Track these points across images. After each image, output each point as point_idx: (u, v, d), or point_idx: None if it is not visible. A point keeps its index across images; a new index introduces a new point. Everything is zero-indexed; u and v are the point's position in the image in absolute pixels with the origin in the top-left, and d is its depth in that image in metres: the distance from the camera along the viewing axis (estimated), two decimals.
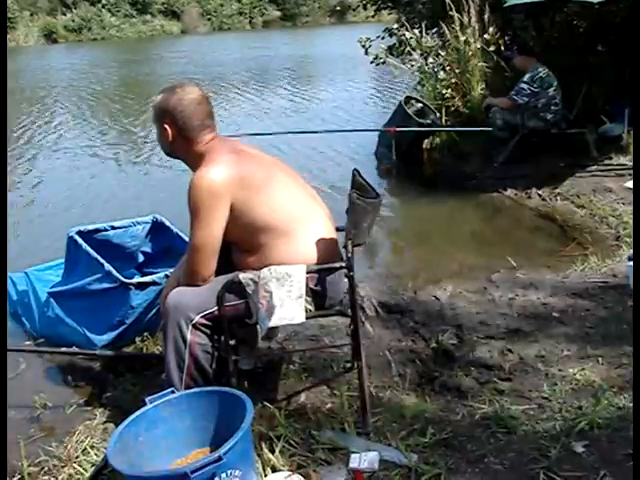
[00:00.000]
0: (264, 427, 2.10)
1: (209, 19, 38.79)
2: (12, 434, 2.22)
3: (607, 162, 5.19)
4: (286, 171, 2.21)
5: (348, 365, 2.47)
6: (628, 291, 2.93)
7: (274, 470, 1.90)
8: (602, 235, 4.02)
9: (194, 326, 2.02)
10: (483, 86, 6.21)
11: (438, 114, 6.24)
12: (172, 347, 2.04)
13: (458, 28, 6.15)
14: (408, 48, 6.89)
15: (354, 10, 36.16)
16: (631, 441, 1.78)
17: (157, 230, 3.15)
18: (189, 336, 2.02)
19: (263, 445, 1.98)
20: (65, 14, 34.23)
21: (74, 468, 2.05)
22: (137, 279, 2.81)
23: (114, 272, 2.72)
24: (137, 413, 1.78)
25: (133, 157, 7.26)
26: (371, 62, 7.58)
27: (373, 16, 12.16)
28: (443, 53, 6.46)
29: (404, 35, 6.98)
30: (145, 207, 4.23)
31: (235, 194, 2.00)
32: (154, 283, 2.74)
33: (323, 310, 2.15)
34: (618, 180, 4.83)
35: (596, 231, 4.10)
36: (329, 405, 2.27)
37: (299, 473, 1.85)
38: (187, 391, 1.93)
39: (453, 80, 6.35)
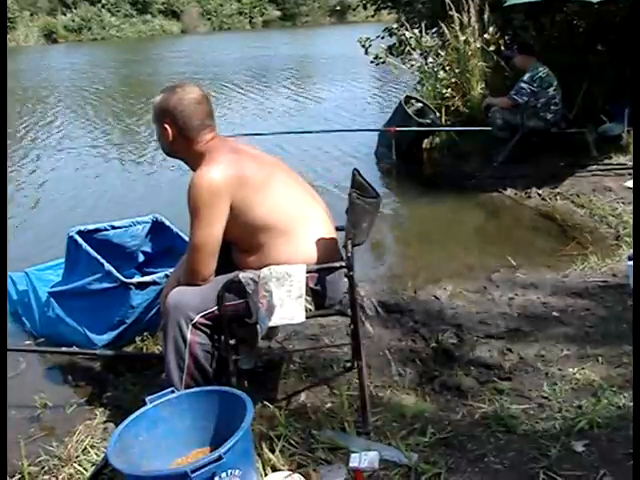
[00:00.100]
0: (264, 427, 2.10)
1: (209, 19, 38.79)
2: (12, 433, 2.22)
3: (607, 162, 5.19)
4: (286, 171, 2.21)
5: (348, 365, 2.47)
6: (628, 291, 2.93)
7: (274, 470, 1.90)
8: (602, 234, 4.02)
9: (194, 326, 2.02)
10: (483, 86, 6.21)
11: (438, 114, 6.24)
12: (172, 347, 2.04)
13: (458, 28, 6.16)
14: (408, 48, 6.90)
15: (354, 10, 36.17)
16: (631, 440, 1.78)
17: (157, 230, 3.15)
18: (189, 336, 2.02)
19: (263, 445, 1.98)
20: (65, 14, 34.22)
21: (74, 468, 2.05)
22: (137, 279, 2.82)
23: (114, 272, 2.72)
24: (137, 413, 1.78)
25: (136, 157, 7.24)
26: (371, 62, 7.58)
27: (373, 16, 12.16)
28: (443, 53, 6.46)
29: (404, 35, 6.98)
30: (146, 207, 4.22)
31: (235, 193, 2.00)
32: (154, 283, 2.74)
33: (323, 310, 2.15)
34: (618, 179, 4.83)
35: (596, 231, 4.10)
36: (329, 405, 2.27)
37: (299, 472, 1.85)
38: (187, 391, 1.93)
39: (453, 80, 6.35)
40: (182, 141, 2.11)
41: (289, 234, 2.06)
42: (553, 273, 3.37)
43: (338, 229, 2.24)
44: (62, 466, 2.08)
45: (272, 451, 1.97)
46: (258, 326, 2.02)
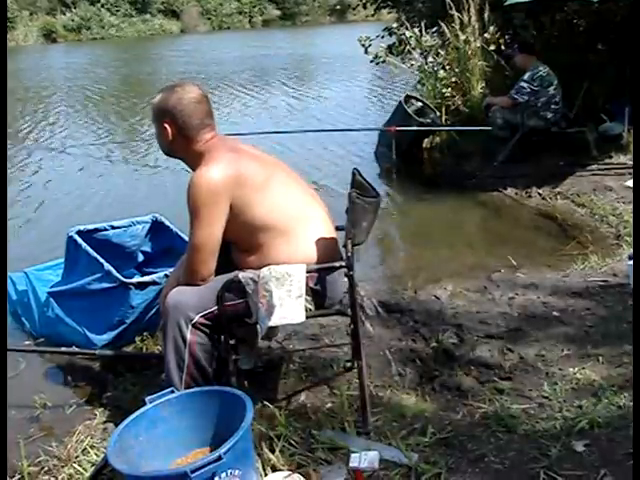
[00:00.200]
0: (264, 426, 2.10)
1: (209, 18, 38.75)
2: (12, 434, 2.22)
3: (607, 161, 5.19)
4: (286, 171, 2.21)
5: (348, 364, 2.46)
6: (628, 290, 2.93)
7: (274, 469, 1.90)
8: (602, 234, 4.02)
9: (194, 326, 2.02)
10: (483, 85, 6.21)
11: (438, 113, 6.24)
12: (172, 347, 2.04)
13: (458, 27, 6.16)
14: (408, 47, 6.89)
15: (354, 9, 36.09)
16: (631, 440, 1.78)
17: (157, 230, 3.15)
18: (189, 336, 2.02)
19: (263, 445, 1.98)
20: (64, 14, 34.17)
21: (74, 468, 2.05)
22: (137, 279, 2.81)
23: (114, 272, 2.72)
24: (137, 413, 1.78)
25: (140, 156, 7.21)
26: (371, 61, 7.58)
27: (373, 15, 12.11)
28: (443, 52, 6.46)
29: (404, 34, 6.98)
30: (147, 207, 4.21)
31: (234, 193, 2.00)
32: (154, 283, 2.74)
33: (323, 309, 2.14)
34: (618, 179, 4.83)
35: (596, 230, 4.10)
36: (329, 405, 2.27)
37: (299, 472, 1.85)
38: (187, 391, 1.93)
39: (453, 79, 6.35)
40: (182, 140, 2.10)
41: (289, 234, 2.06)
42: (553, 273, 3.37)
43: (338, 229, 2.23)
44: (62, 466, 2.08)
45: (272, 451, 1.96)
46: (258, 326, 2.02)
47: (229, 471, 1.58)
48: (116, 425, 2.00)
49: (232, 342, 2.07)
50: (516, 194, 4.93)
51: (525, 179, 5.04)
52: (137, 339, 2.82)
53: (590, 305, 2.88)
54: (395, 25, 7.85)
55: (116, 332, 2.76)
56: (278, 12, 41.37)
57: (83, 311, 2.82)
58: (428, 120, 6.08)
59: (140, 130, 8.79)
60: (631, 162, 4.97)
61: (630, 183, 4.60)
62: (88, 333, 2.78)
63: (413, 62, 6.80)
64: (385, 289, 3.27)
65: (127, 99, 11.75)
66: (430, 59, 6.60)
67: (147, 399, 1.82)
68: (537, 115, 5.42)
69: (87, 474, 2.01)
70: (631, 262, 2.90)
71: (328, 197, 4.75)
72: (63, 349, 2.73)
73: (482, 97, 6.07)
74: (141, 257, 3.17)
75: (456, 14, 6.14)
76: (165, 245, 3.11)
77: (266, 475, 1.87)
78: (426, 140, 6.32)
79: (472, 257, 3.90)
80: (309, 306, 2.05)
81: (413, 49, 6.79)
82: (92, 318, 2.79)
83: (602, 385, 2.22)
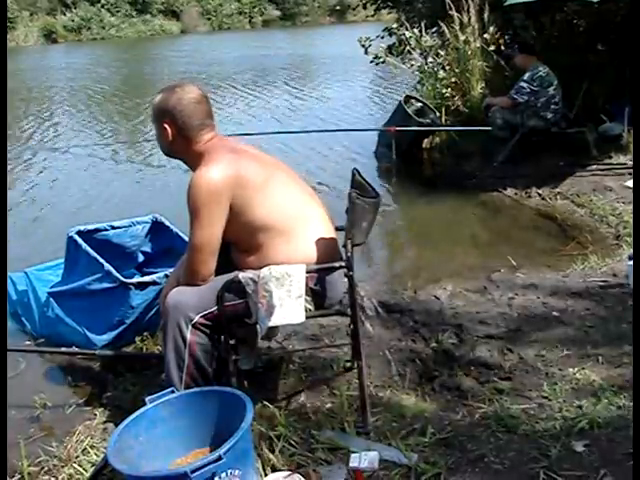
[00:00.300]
0: (264, 427, 2.10)
1: (209, 19, 38.73)
2: (12, 434, 2.22)
3: (607, 161, 5.19)
4: (285, 171, 2.21)
5: (348, 365, 2.46)
6: (628, 290, 2.93)
7: (274, 470, 1.90)
8: (602, 234, 4.02)
9: (194, 326, 2.02)
10: (483, 85, 6.21)
11: (438, 113, 6.24)
12: (172, 347, 2.04)
13: (458, 27, 6.16)
14: (408, 47, 6.90)
15: (354, 9, 36.11)
16: (631, 440, 1.78)
17: (157, 230, 3.15)
18: (189, 336, 2.02)
19: (263, 445, 1.98)
20: (65, 14, 34.14)
21: (74, 468, 2.05)
22: (137, 279, 2.81)
23: (114, 272, 2.72)
24: (137, 413, 1.78)
25: (144, 157, 7.20)
26: (371, 62, 7.58)
27: (373, 15, 12.12)
28: (443, 52, 6.47)
29: (404, 34, 6.98)
30: (151, 206, 4.21)
31: (234, 193, 2.00)
32: (154, 283, 2.74)
33: (323, 310, 2.14)
34: (618, 179, 4.83)
35: (596, 230, 4.10)
36: (329, 405, 2.27)
37: (299, 473, 1.85)
38: (187, 391, 1.93)
39: (453, 79, 6.35)
40: (182, 141, 2.10)
41: (289, 234, 2.06)
42: (553, 273, 3.36)
43: (338, 229, 2.23)
44: (62, 466, 2.08)
45: (272, 451, 1.97)
46: (258, 326, 2.02)
47: (229, 471, 1.58)
48: (116, 425, 2.00)
49: (232, 342, 2.07)
50: (516, 194, 4.93)
51: (525, 179, 5.04)
52: (137, 339, 2.82)
53: (590, 305, 2.88)
54: (395, 25, 7.84)
55: (116, 332, 2.76)
56: (278, 12, 41.34)
57: (83, 311, 2.82)
58: (428, 120, 6.08)
59: (144, 130, 8.77)
60: (631, 162, 4.97)
61: (630, 183, 4.60)
62: (88, 333, 2.78)
63: (413, 62, 6.81)
64: (385, 289, 3.27)
65: (130, 99, 11.74)
66: (430, 59, 6.60)
67: (147, 399, 1.82)
68: (537, 115, 5.42)
69: (87, 474, 2.01)
70: (631, 262, 2.90)
71: (332, 197, 4.76)
72: (63, 349, 2.73)
73: (482, 97, 6.07)
74: (141, 257, 3.17)
75: (456, 14, 6.14)
76: (165, 245, 3.11)
77: (266, 475, 1.87)
78: (426, 140, 6.32)
79: (472, 257, 3.90)
80: (309, 306, 2.05)
81: (413, 49, 6.79)
82: (92, 318, 2.79)
83: (602, 385, 2.22)
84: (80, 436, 2.22)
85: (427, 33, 6.78)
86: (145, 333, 2.83)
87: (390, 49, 7.62)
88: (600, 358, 2.41)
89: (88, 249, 2.80)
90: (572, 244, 3.92)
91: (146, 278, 2.79)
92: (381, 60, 7.42)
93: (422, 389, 2.35)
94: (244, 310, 2.04)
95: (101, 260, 2.75)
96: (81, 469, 2.04)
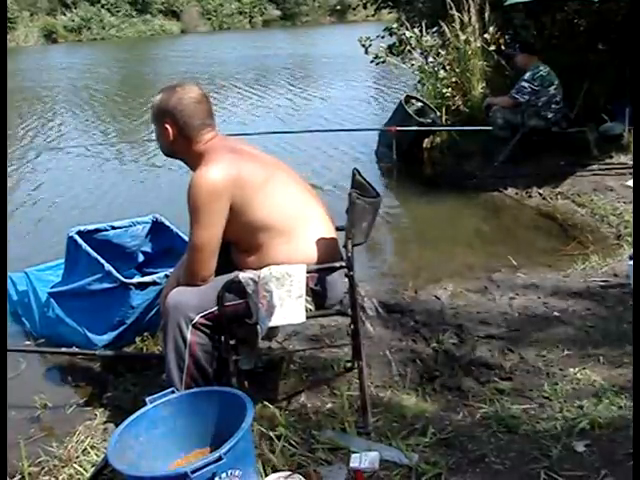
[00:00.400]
0: (264, 427, 2.10)
1: (209, 18, 38.75)
2: (12, 434, 2.22)
3: (608, 161, 5.19)
4: (286, 171, 2.21)
5: (348, 365, 2.46)
6: (629, 290, 2.93)
7: (274, 470, 1.89)
8: (603, 234, 4.02)
9: (194, 326, 2.02)
10: (483, 85, 6.21)
11: (438, 113, 6.24)
12: (172, 347, 2.03)
13: (458, 27, 6.15)
14: (408, 47, 6.88)
15: (354, 9, 36.12)
16: (632, 440, 1.78)
17: (157, 230, 3.15)
18: (189, 336, 2.02)
19: (263, 445, 1.98)
20: (65, 14, 34.16)
21: (74, 468, 2.05)
22: (137, 279, 2.81)
23: (114, 272, 2.72)
24: (137, 413, 1.78)
25: (148, 157, 7.19)
26: (371, 61, 7.57)
27: (373, 15, 12.08)
28: (443, 52, 6.46)
29: (404, 34, 6.96)
30: (148, 207, 4.22)
31: (234, 193, 1.99)
32: (154, 283, 2.74)
33: (323, 310, 2.14)
34: (619, 179, 4.83)
35: (597, 230, 4.09)
36: (329, 405, 2.26)
37: (299, 473, 1.84)
38: (187, 391, 1.93)
39: (453, 79, 6.34)
40: (182, 141, 2.10)
41: (289, 234, 2.06)
42: (554, 273, 3.36)
43: (338, 229, 2.23)
44: (62, 467, 2.08)
45: (272, 451, 1.96)
46: (258, 326, 2.02)
47: (229, 471, 1.58)
48: (116, 425, 2.00)
49: (232, 342, 2.07)
50: (516, 194, 4.93)
51: (525, 179, 5.04)
52: (137, 339, 2.82)
53: (591, 305, 2.88)
54: (395, 25, 7.82)
55: (116, 332, 2.76)
56: (278, 12, 41.36)
57: (83, 311, 2.82)
58: (428, 120, 6.07)
59: (148, 130, 8.77)
60: (632, 162, 4.97)
61: (631, 183, 4.60)
62: (88, 333, 2.78)
63: (413, 62, 6.80)
64: (385, 289, 3.27)
65: (133, 99, 11.73)
66: (430, 59, 6.59)
67: (147, 399, 1.82)
68: (538, 115, 5.42)
69: (87, 474, 2.01)
70: (632, 262, 2.90)
71: (333, 197, 4.76)
72: (63, 349, 2.73)
73: (482, 97, 6.06)
74: (141, 257, 3.18)
75: (456, 14, 6.13)
76: (165, 245, 3.11)
77: (266, 475, 1.86)
78: (426, 140, 6.31)
79: (472, 257, 3.90)
80: (309, 306, 2.05)
81: (413, 49, 6.78)
82: (92, 318, 2.79)
83: (603, 385, 2.21)
84: (80, 436, 2.21)
85: (427, 33, 6.77)
86: (145, 333, 2.83)
87: (390, 49, 7.60)
88: (601, 358, 2.41)
89: (88, 249, 2.80)
90: (573, 244, 3.91)
91: (146, 278, 2.79)
92: (381, 60, 7.40)
93: (423, 389, 2.34)
94: (244, 310, 2.04)
95: (101, 260, 2.75)
96: (81, 469, 2.04)
